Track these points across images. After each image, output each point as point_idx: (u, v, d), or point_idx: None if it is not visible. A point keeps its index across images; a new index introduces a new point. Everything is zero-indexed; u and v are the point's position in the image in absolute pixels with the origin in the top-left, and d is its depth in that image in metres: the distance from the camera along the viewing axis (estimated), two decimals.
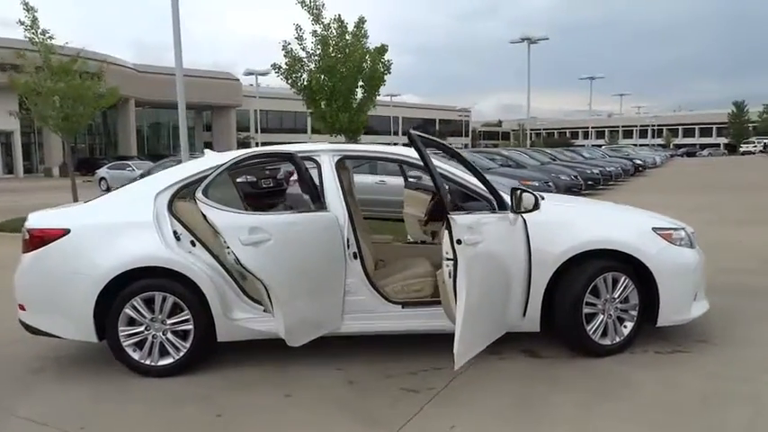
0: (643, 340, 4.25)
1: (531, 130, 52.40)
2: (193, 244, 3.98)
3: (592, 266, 4.02)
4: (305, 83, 11.29)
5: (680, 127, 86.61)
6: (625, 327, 4.17)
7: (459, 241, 3.09)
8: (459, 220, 3.20)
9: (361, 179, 9.00)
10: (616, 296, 4.11)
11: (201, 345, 3.97)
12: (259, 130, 44.44)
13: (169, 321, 3.94)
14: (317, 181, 4.12)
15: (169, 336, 3.95)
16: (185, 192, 4.13)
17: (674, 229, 4.26)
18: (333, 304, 3.95)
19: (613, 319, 4.13)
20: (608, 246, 4.03)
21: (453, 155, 4.14)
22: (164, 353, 3.96)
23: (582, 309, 4.02)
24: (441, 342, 4.27)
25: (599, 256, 4.04)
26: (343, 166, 4.27)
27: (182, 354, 3.95)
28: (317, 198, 4.00)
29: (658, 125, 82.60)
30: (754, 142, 63.50)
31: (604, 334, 4.10)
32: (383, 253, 4.96)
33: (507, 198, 3.95)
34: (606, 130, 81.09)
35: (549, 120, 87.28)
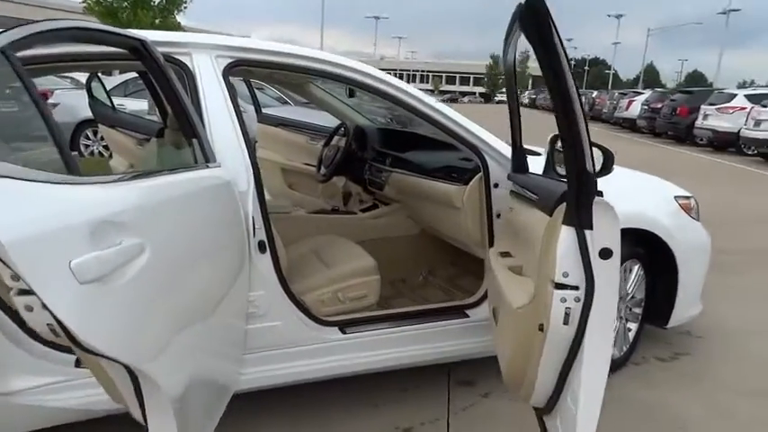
0: None
1: None
2: None
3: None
4: None
5: (444, 74, 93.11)
6: (629, 330, 3.05)
7: (607, 253, 1.52)
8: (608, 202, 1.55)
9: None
10: (629, 291, 2.94)
11: None
12: None
13: None
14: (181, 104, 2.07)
15: None
16: None
17: (688, 198, 3.18)
18: (232, 343, 2.07)
19: (623, 321, 2.97)
20: (641, 224, 2.78)
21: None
22: None
23: None
24: (392, 378, 2.70)
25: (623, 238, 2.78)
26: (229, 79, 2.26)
27: None
28: (190, 139, 1.98)
29: (427, 71, 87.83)
30: None
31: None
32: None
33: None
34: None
35: None
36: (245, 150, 2.11)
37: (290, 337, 2.27)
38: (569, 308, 1.46)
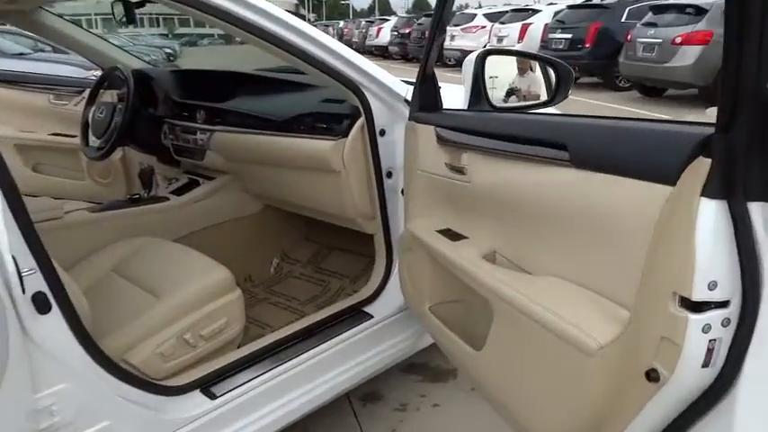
0: None
1: None
2: None
3: None
4: None
5: (176, 17, 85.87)
6: None
7: None
8: None
9: None
10: None
11: None
12: None
13: None
14: None
15: None
16: None
17: None
18: None
19: None
20: None
21: None
22: None
23: None
24: None
25: None
26: None
27: None
28: None
29: (156, 14, 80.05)
30: None
31: None
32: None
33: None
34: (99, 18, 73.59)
35: None
36: None
37: None
38: (715, 339, 0.83)
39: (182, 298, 1.62)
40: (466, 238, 1.40)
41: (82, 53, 2.59)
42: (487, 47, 14.20)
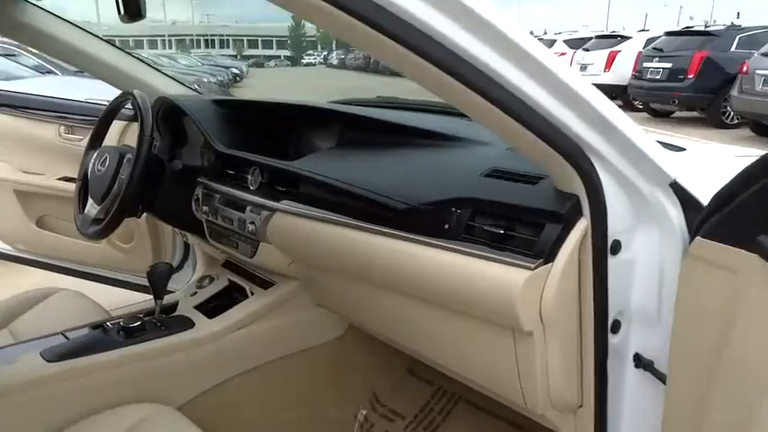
0: None
1: None
2: None
3: None
4: None
5: (245, 38, 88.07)
6: None
7: None
8: None
9: None
10: None
11: None
12: None
13: None
14: None
15: None
16: None
17: None
18: None
19: None
20: None
21: None
22: None
23: None
24: None
25: None
26: None
27: None
28: None
29: (227, 35, 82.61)
30: (314, 54, 69.09)
31: None
32: None
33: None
34: (173, 39, 76.22)
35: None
36: None
37: None
38: None
39: None
40: None
41: (91, 70, 1.77)
42: None
